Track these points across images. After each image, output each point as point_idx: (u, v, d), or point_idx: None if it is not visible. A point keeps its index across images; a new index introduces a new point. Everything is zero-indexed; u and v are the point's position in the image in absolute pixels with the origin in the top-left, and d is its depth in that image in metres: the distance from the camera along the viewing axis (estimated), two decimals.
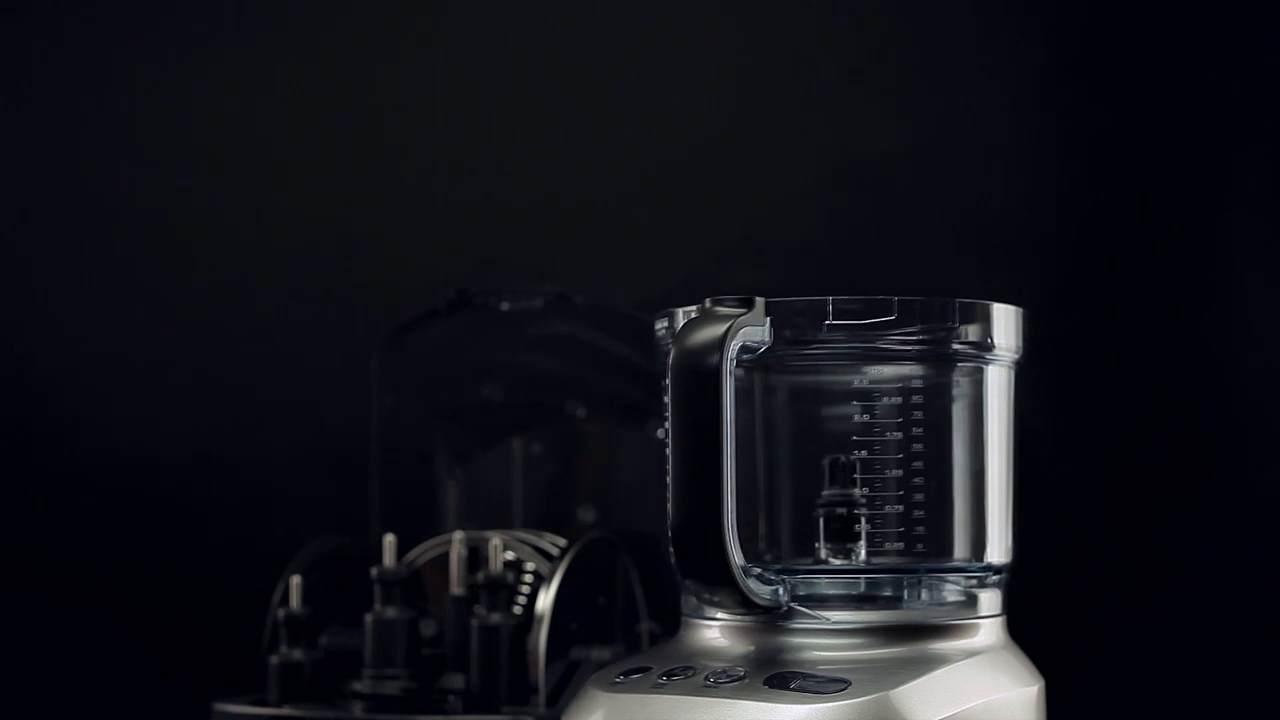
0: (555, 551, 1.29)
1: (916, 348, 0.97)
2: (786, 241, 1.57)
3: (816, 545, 0.98)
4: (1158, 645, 1.49)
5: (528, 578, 1.29)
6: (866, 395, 0.97)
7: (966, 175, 1.56)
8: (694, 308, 0.95)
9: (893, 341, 0.97)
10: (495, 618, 1.24)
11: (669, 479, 0.92)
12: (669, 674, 0.94)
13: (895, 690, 0.89)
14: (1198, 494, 1.50)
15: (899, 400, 0.97)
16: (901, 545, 0.97)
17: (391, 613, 1.25)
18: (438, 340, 1.48)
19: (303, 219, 1.65)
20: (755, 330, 0.93)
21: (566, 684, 1.23)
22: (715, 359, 0.90)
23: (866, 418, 0.97)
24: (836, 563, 0.97)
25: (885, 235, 1.58)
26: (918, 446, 0.97)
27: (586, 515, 1.45)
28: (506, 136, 1.64)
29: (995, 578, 1.00)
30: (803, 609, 0.95)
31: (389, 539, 1.27)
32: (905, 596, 0.97)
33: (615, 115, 1.64)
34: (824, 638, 0.94)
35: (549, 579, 1.23)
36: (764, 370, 0.98)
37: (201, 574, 1.61)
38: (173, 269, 1.66)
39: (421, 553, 1.33)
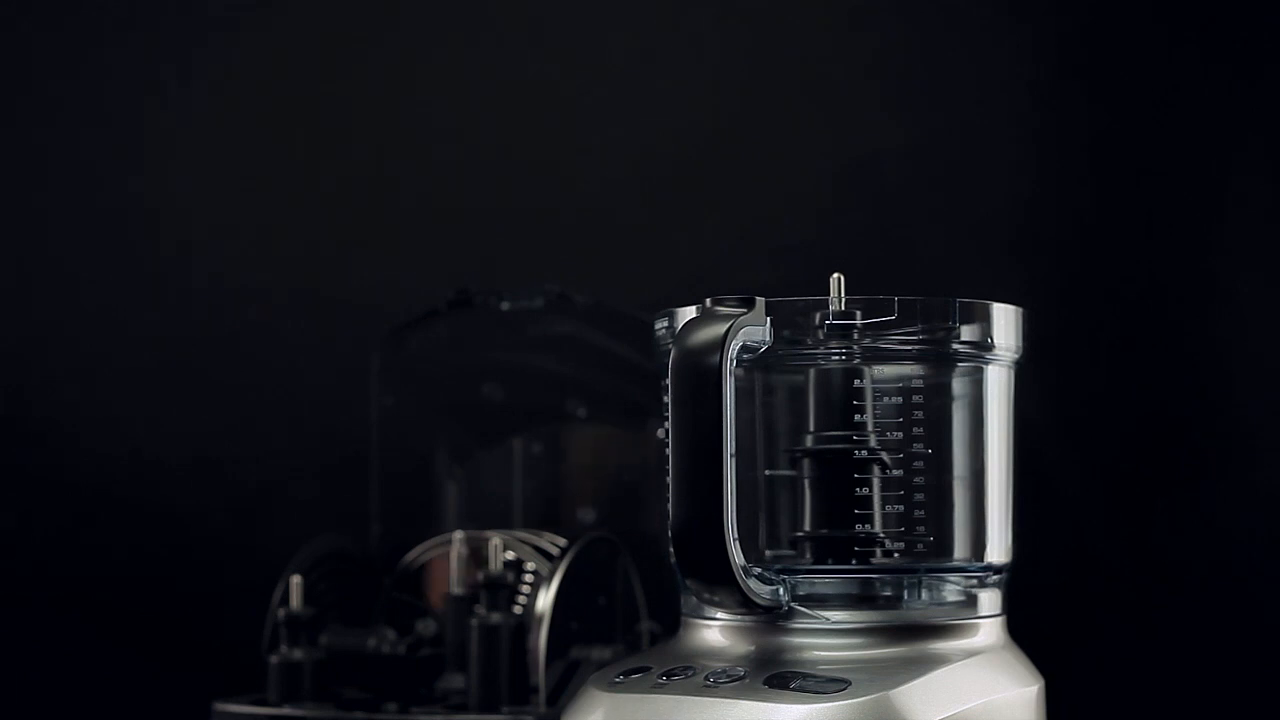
0: (555, 551, 1.29)
1: (916, 348, 0.97)
2: (786, 241, 1.57)
3: None
4: (1158, 645, 1.48)
5: (528, 578, 1.29)
6: (867, 395, 0.97)
7: (967, 176, 1.56)
8: (694, 308, 0.95)
9: (893, 341, 0.96)
10: (495, 618, 1.24)
11: (669, 479, 0.92)
12: (669, 674, 0.93)
13: (895, 690, 0.89)
14: (1197, 494, 1.50)
15: (899, 400, 0.97)
16: (902, 545, 0.97)
17: None
18: (438, 340, 1.48)
19: (303, 219, 1.65)
20: (755, 330, 0.93)
21: (566, 684, 1.23)
22: (715, 359, 0.90)
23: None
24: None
25: (886, 235, 1.58)
26: (918, 446, 0.97)
27: (586, 515, 1.45)
28: (508, 136, 1.64)
29: (995, 578, 1.00)
30: (803, 609, 0.95)
31: None
32: (905, 596, 0.97)
33: (616, 115, 1.63)
34: (824, 638, 0.94)
35: (549, 579, 1.23)
36: (764, 370, 0.98)
37: (201, 574, 1.61)
38: (172, 269, 1.66)
39: (421, 553, 1.33)
